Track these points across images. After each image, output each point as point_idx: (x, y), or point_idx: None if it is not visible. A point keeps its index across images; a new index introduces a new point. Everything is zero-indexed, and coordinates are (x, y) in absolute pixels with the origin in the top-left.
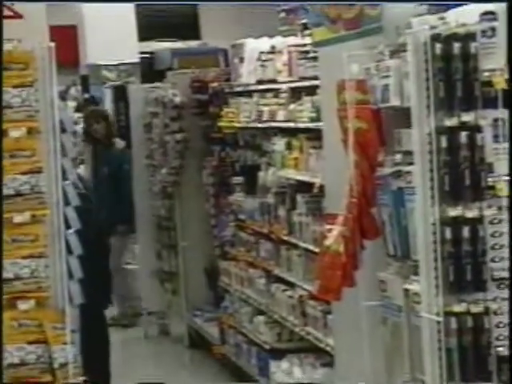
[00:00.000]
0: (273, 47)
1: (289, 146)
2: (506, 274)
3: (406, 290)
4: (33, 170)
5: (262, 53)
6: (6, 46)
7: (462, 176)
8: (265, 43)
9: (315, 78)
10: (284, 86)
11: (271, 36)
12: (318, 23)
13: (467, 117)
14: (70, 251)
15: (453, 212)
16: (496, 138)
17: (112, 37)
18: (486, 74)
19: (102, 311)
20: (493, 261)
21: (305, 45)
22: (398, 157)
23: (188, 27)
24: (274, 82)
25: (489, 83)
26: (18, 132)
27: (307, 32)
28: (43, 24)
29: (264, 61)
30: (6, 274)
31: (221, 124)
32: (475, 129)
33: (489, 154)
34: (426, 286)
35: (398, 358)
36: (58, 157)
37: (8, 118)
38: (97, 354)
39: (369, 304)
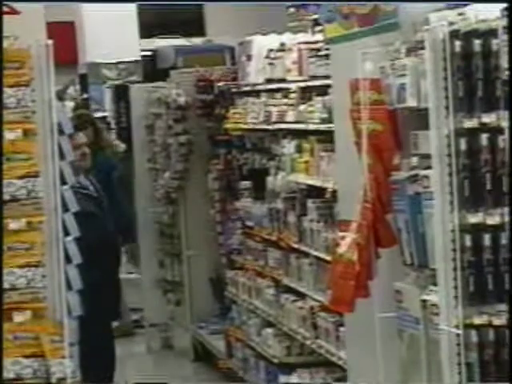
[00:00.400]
0: (282, 44)
1: (299, 149)
2: None
3: (424, 301)
4: (29, 174)
5: (270, 50)
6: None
7: (483, 180)
8: (274, 40)
9: (327, 76)
10: (294, 86)
11: (280, 32)
12: (329, 19)
13: (488, 118)
14: (68, 260)
15: (473, 218)
16: None
17: (112, 33)
18: (508, 72)
19: (109, 324)
20: None
21: (316, 42)
22: (415, 160)
23: (192, 23)
24: (283, 81)
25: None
26: (13, 134)
27: (318, 28)
28: (41, 20)
29: (273, 59)
30: None
31: (227, 126)
32: (496, 130)
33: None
34: (444, 297)
35: (415, 373)
36: (56, 160)
37: (3, 120)
38: (100, 369)
39: (384, 316)
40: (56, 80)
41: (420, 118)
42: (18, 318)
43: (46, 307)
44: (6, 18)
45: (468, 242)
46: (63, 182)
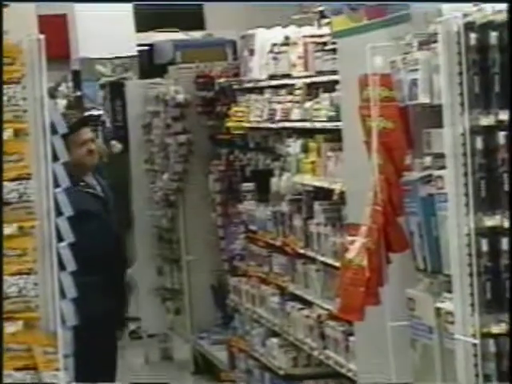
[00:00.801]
0: (287, 38)
1: (305, 149)
2: None
3: (438, 309)
4: (21, 176)
5: (274, 44)
6: None
7: (500, 181)
8: (278, 34)
9: (334, 72)
10: (299, 82)
11: (285, 26)
12: (337, 11)
13: (505, 115)
14: (62, 267)
15: (490, 221)
16: None
17: (106, 27)
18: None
19: (113, 333)
20: None
21: (322, 35)
22: (428, 160)
23: (192, 16)
24: (287, 77)
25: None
26: (4, 134)
27: (325, 21)
28: (32, 14)
29: (277, 53)
30: None
31: (229, 124)
32: None
33: None
34: (460, 305)
35: None
36: (49, 161)
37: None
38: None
39: (396, 324)
40: (48, 76)
41: (433, 115)
42: (10, 328)
43: (39, 317)
44: None
45: (484, 246)
46: (56, 184)
